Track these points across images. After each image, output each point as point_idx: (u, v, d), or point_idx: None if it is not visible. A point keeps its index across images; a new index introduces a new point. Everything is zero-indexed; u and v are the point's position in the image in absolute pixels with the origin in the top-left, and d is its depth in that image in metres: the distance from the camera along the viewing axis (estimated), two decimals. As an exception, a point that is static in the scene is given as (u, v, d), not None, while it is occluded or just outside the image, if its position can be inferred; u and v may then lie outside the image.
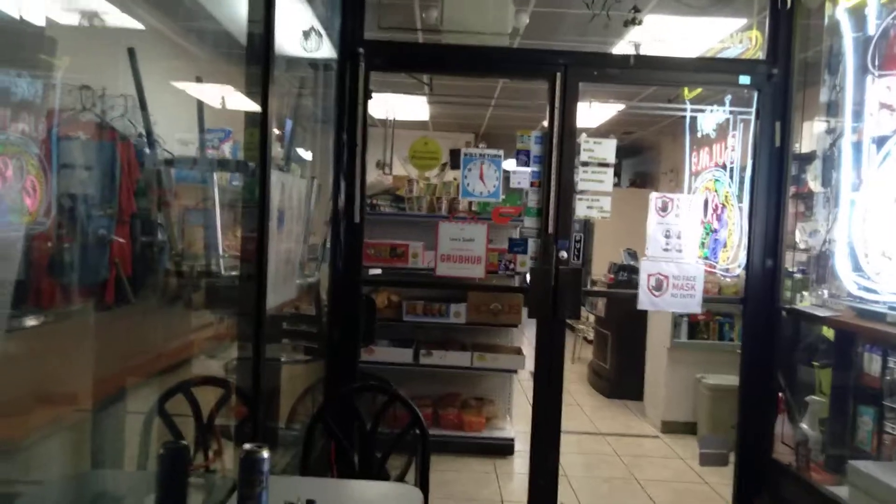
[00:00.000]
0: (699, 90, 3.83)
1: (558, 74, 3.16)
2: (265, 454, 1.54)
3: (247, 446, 1.54)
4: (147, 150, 3.31)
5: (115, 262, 3.20)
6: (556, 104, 3.18)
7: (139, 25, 4.13)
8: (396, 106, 6.82)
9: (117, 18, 4.06)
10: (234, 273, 2.66)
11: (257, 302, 1.88)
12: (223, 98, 3.61)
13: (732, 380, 3.55)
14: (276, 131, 3.59)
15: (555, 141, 3.18)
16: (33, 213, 2.36)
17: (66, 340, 2.11)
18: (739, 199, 3.63)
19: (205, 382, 2.36)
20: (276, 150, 3.90)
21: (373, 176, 5.08)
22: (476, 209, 4.49)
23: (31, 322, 2.26)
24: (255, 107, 3.54)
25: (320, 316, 3.28)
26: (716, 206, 3.88)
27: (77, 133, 3.27)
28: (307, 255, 3.27)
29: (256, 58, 1.92)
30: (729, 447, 3.53)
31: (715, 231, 3.86)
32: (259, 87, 1.92)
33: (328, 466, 2.66)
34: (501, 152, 3.31)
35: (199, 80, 2.86)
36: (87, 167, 3.25)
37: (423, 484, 2.24)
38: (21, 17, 2.78)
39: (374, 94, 3.22)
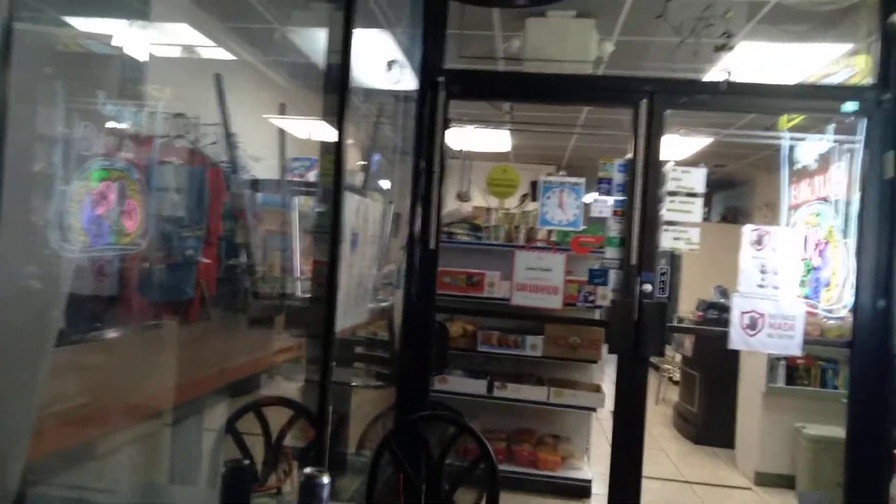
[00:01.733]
0: (798, 119, 3.60)
1: (643, 102, 3.05)
2: (325, 479, 1.50)
3: (307, 470, 1.50)
4: (232, 174, 3.44)
5: (199, 283, 3.31)
6: (641, 132, 3.06)
7: (231, 57, 4.35)
8: (478, 137, 6.85)
9: (213, 52, 4.30)
10: (308, 296, 2.68)
11: (326, 324, 1.87)
12: (311, 129, 3.72)
13: (837, 431, 3.23)
14: (361, 161, 3.66)
15: (639, 169, 3.05)
16: (132, 234, 2.47)
17: (147, 353, 2.16)
18: (845, 235, 3.35)
19: (275, 403, 2.36)
20: (359, 178, 3.97)
21: (453, 207, 5.08)
22: (555, 239, 4.38)
23: (115, 335, 2.34)
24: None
25: (393, 342, 3.26)
26: (817, 242, 3.60)
27: (171, 158, 3.44)
28: (382, 279, 3.27)
29: (333, 86, 1.94)
30: (832, 506, 3.19)
31: (816, 269, 3.56)
32: (335, 114, 1.93)
33: (396, 496, 2.60)
34: (583, 180, 3.22)
35: (282, 107, 2.94)
36: (179, 191, 3.41)
37: (490, 522, 2.13)
38: (124, 50, 2.96)
39: (455, 126, 3.22)
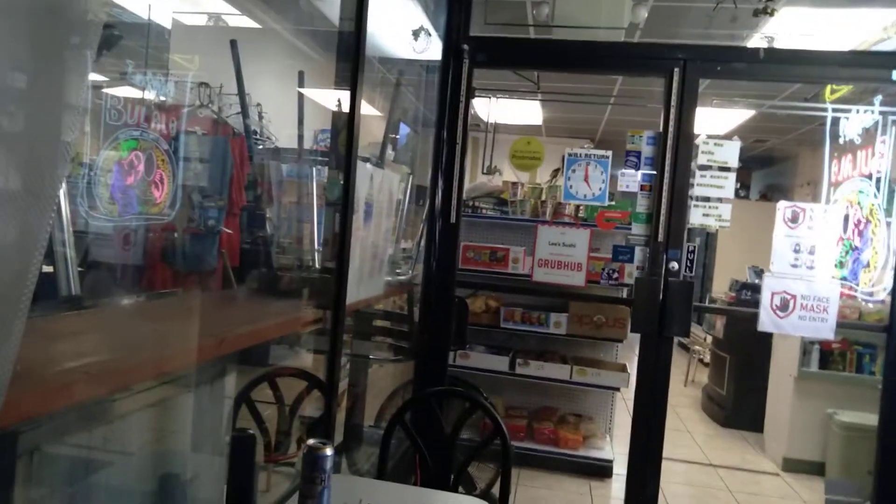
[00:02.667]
0: (842, 91, 3.41)
1: (676, 70, 2.92)
2: (328, 451, 1.47)
3: (309, 442, 1.48)
4: (255, 144, 3.41)
5: (222, 252, 3.32)
6: (673, 102, 2.94)
7: (256, 25, 4.31)
8: (507, 110, 6.71)
9: (238, 20, 4.26)
10: (328, 266, 2.66)
11: (336, 295, 1.84)
12: (339, 99, 3.68)
13: (871, 419, 3.11)
14: (389, 133, 3.61)
15: (669, 142, 2.93)
16: (160, 204, 2.47)
17: (166, 320, 2.17)
18: (888, 214, 3.18)
19: (290, 374, 2.36)
20: (389, 152, 3.93)
21: (482, 180, 5.00)
22: (583, 215, 4.28)
23: (135, 301, 2.36)
24: (368, 109, 3.58)
25: (412, 316, 3.23)
26: (858, 220, 3.43)
27: (195, 128, 3.44)
28: (401, 252, 3.23)
29: (346, 54, 1.88)
30: (863, 496, 3.09)
31: (856, 249, 3.41)
32: (349, 83, 1.88)
33: (413, 470, 2.59)
34: (609, 153, 3.11)
35: (300, 75, 2.89)
36: (202, 161, 3.41)
37: (503, 498, 2.10)
38: (152, 19, 2.94)
39: (481, 96, 3.14)
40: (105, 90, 2.31)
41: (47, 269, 1.99)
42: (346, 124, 1.90)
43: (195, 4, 4.11)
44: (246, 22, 4.25)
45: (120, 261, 2.65)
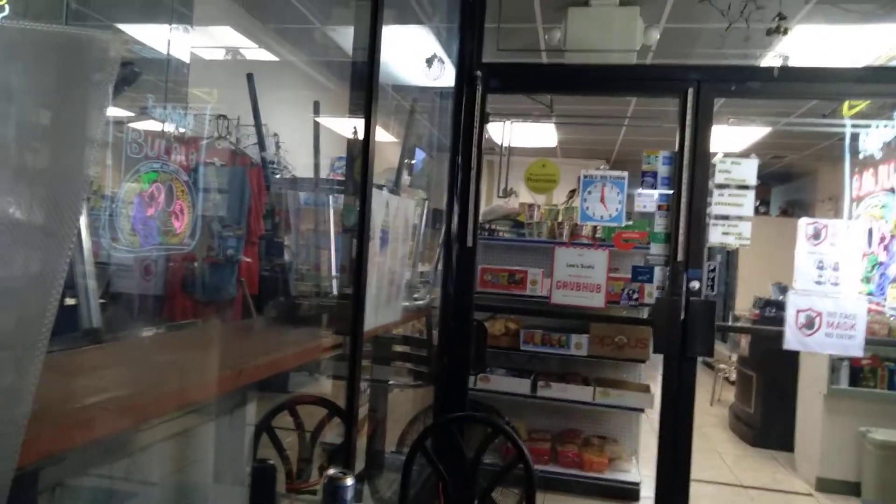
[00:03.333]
0: (861, 105, 3.39)
1: (690, 90, 2.91)
2: (349, 482, 1.47)
3: (329, 472, 1.48)
4: (272, 174, 3.46)
5: (241, 281, 3.35)
6: (688, 122, 2.93)
7: (273, 58, 4.39)
8: (522, 132, 6.74)
9: (256, 53, 4.35)
10: (345, 293, 2.67)
11: (354, 322, 1.85)
12: (355, 127, 3.74)
13: (905, 437, 3.02)
14: (405, 159, 3.64)
15: (685, 162, 2.92)
16: (180, 234, 2.51)
17: (187, 350, 2.18)
18: (913, 228, 3.13)
19: (311, 402, 2.36)
20: (405, 178, 3.95)
21: (498, 203, 5.01)
22: (601, 235, 4.26)
23: (157, 332, 2.38)
24: (383, 135, 3.62)
25: (431, 340, 3.22)
26: (882, 235, 3.38)
27: (214, 159, 3.50)
28: (418, 277, 3.24)
29: (360, 83, 1.91)
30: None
31: (882, 264, 3.35)
32: (363, 112, 1.91)
33: (436, 497, 2.56)
34: (625, 174, 3.10)
35: (316, 105, 2.94)
36: (221, 191, 3.46)
37: (526, 526, 2.07)
38: (171, 54, 3.02)
39: (495, 121, 3.16)
40: (127, 124, 2.37)
41: (70, 301, 2.03)
42: (360, 152, 1.92)
43: (213, 39, 4.21)
44: (263, 55, 4.34)
45: (141, 291, 2.68)
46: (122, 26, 3.43)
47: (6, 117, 0.95)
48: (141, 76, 2.27)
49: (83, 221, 2.13)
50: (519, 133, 6.68)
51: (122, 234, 2.28)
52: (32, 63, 0.97)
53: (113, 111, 2.29)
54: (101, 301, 2.43)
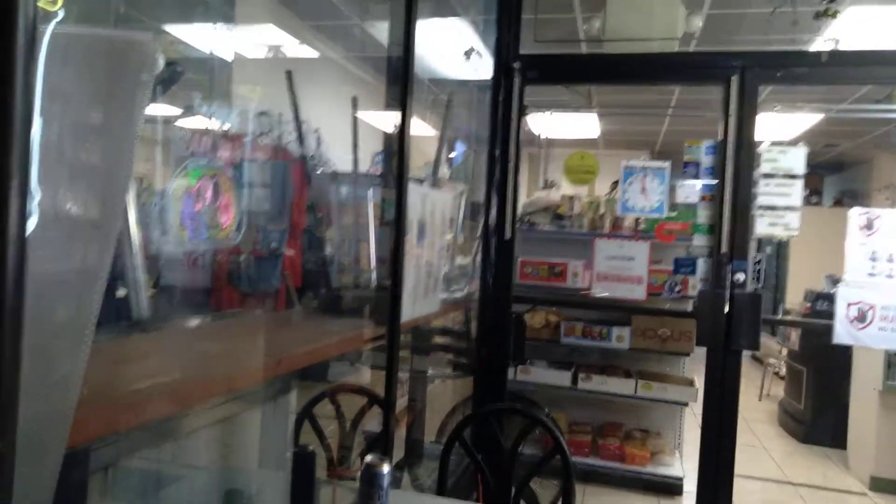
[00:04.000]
0: (919, 89, 3.25)
1: (733, 78, 2.85)
2: (385, 468, 1.50)
3: (367, 459, 1.51)
4: (314, 169, 3.54)
5: (284, 274, 3.44)
6: (732, 110, 2.86)
7: (314, 54, 4.46)
8: (564, 123, 6.68)
9: (297, 50, 4.43)
10: (384, 285, 2.71)
11: (392, 314, 1.88)
12: (393, 123, 3.78)
13: (963, 436, 2.90)
14: (444, 153, 3.66)
15: (729, 151, 2.86)
16: (227, 228, 2.60)
17: (234, 339, 2.26)
18: (974, 216, 2.99)
19: (350, 390, 2.41)
20: (444, 171, 3.97)
21: (540, 195, 4.99)
22: (643, 227, 4.20)
23: (205, 322, 2.47)
24: (423, 129, 3.65)
25: (470, 332, 3.24)
26: (941, 224, 3.23)
27: (256, 155, 3.59)
28: (457, 270, 3.25)
29: (396, 77, 1.94)
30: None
31: (941, 254, 3.21)
32: (399, 106, 1.94)
33: (475, 486, 2.59)
34: (667, 164, 3.06)
35: (354, 100, 2.98)
36: (265, 186, 3.55)
37: (563, 517, 2.08)
38: (215, 53, 3.10)
39: (535, 112, 3.15)
40: (175, 122, 2.45)
41: (121, 293, 2.12)
42: (396, 146, 1.94)
43: (256, 37, 4.31)
44: (305, 51, 4.42)
45: (189, 284, 2.78)
46: (167, 27, 3.54)
47: (61, 118, 1.01)
48: (184, 75, 2.34)
49: (132, 216, 2.22)
50: (560, 124, 6.63)
51: (172, 228, 2.37)
52: (81, 66, 1.02)
53: (161, 109, 2.38)
54: (152, 292, 2.53)
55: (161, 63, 2.48)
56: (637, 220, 4.20)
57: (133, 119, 1.07)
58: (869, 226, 2.82)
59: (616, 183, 5.08)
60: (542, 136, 3.74)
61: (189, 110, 2.51)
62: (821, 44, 4.01)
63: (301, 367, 2.19)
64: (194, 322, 2.56)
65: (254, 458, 2.04)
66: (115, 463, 1.43)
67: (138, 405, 1.17)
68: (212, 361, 1.71)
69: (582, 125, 7.17)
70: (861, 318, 2.77)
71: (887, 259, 2.80)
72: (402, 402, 3.14)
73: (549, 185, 6.60)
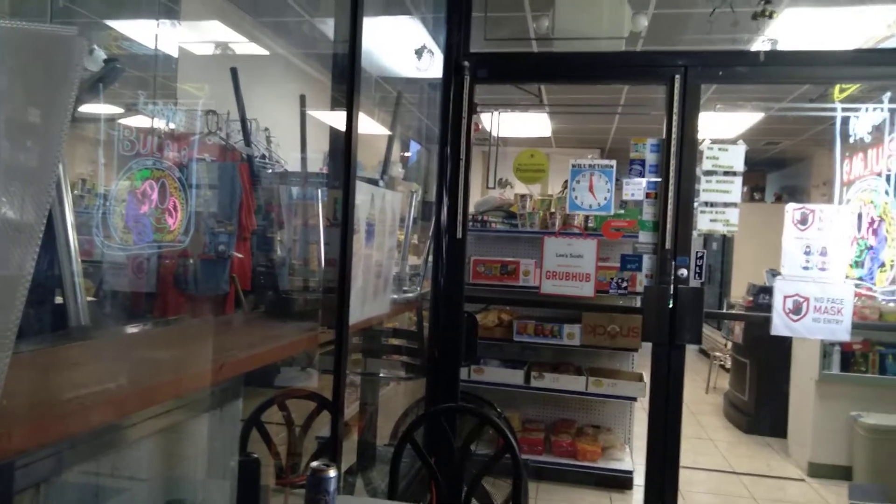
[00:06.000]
0: (851, 89, 3.38)
1: (677, 77, 2.91)
2: (332, 473, 1.48)
3: (313, 464, 1.49)
4: (263, 169, 3.47)
5: (233, 277, 3.36)
6: (675, 109, 2.93)
7: (264, 52, 4.38)
8: (516, 122, 6.73)
9: (246, 47, 4.34)
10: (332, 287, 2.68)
11: (339, 315, 1.86)
12: (338, 121, 3.74)
13: None
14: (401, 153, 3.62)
15: (673, 149, 2.92)
16: (174, 231, 2.52)
17: (177, 345, 2.19)
18: (902, 211, 3.13)
19: (300, 395, 2.37)
20: (398, 170, 3.94)
21: (495, 194, 5.01)
22: (593, 224, 4.26)
23: (146, 329, 2.40)
24: (376, 128, 3.61)
25: (422, 333, 3.24)
26: (872, 219, 3.38)
27: (204, 155, 3.50)
28: (409, 270, 3.24)
29: (342, 76, 1.91)
30: (890, 500, 3.01)
31: (872, 248, 3.36)
32: (345, 104, 1.91)
33: (427, 487, 2.58)
34: (613, 162, 3.11)
35: (302, 98, 2.94)
36: (212, 187, 3.46)
37: (514, 515, 2.09)
38: (161, 50, 3.01)
39: (486, 111, 3.16)
40: (118, 121, 2.36)
41: (59, 300, 2.04)
42: (343, 145, 1.92)
43: (203, 34, 4.20)
44: (254, 49, 4.33)
45: (133, 288, 2.69)
46: (110, 22, 3.42)
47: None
48: (124, 72, 2.26)
49: (69, 219, 2.13)
50: (512, 123, 6.68)
51: (116, 232, 2.28)
52: (2, 61, 0.97)
53: (103, 108, 2.29)
54: (93, 299, 2.44)
55: (100, 60, 2.39)
56: (587, 218, 4.27)
57: (59, 118, 1.02)
58: (803, 221, 2.93)
59: (567, 181, 5.16)
60: (495, 135, 3.76)
61: (132, 108, 2.43)
62: (760, 44, 4.15)
63: (246, 373, 2.14)
64: (135, 328, 2.48)
65: (200, 468, 1.99)
66: (48, 478, 1.37)
67: (68, 416, 1.12)
68: (149, 368, 1.65)
69: (534, 124, 7.25)
70: (796, 310, 2.87)
71: (820, 253, 2.92)
72: (354, 406, 3.11)
73: (503, 184, 6.65)
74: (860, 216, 3.27)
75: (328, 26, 4.34)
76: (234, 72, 2.61)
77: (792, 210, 2.91)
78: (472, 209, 4.67)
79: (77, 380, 1.42)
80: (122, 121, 2.35)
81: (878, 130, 3.26)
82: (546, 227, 4.30)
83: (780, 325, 2.84)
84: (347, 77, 1.93)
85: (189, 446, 2.07)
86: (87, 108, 2.24)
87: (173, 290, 3.16)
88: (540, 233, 4.17)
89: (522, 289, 4.12)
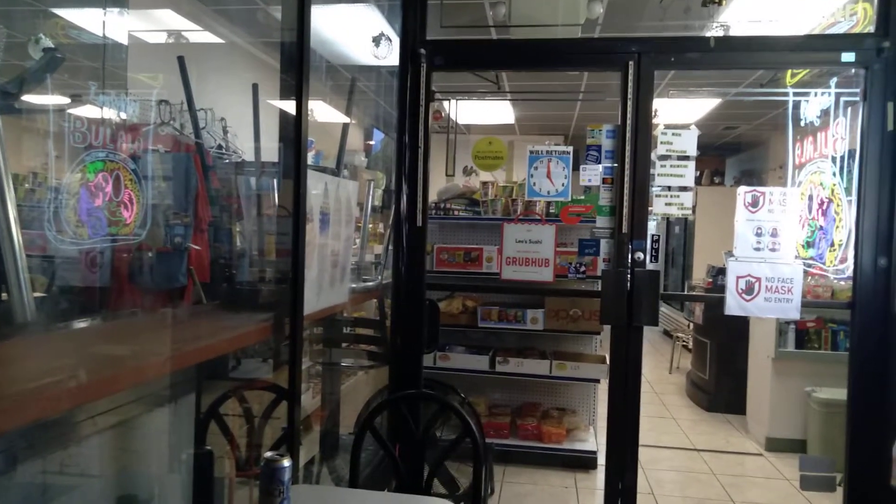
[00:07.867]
0: (802, 74, 3.46)
1: (631, 63, 2.95)
2: (285, 463, 1.48)
3: (266, 455, 1.48)
4: (219, 159, 3.42)
5: (190, 269, 3.31)
6: (630, 94, 2.97)
7: (219, 40, 4.30)
8: (479, 110, 6.73)
9: (201, 35, 4.25)
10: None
11: (293, 304, 1.85)
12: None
13: (844, 395, 3.15)
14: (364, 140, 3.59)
15: (628, 135, 2.96)
16: (130, 224, 2.46)
17: (134, 340, 2.16)
18: (848, 193, 3.23)
19: (258, 387, 2.36)
20: (361, 159, 3.90)
21: (459, 181, 5.01)
22: (554, 210, 4.30)
23: (100, 323, 2.35)
24: (337, 116, 3.57)
25: (384, 321, 3.24)
26: (821, 201, 3.49)
27: (158, 146, 3.43)
28: (369, 259, 3.23)
29: (290, 63, 1.89)
30: (836, 470, 3.13)
31: (822, 229, 3.46)
32: (294, 92, 1.89)
33: (392, 476, 2.59)
34: (570, 148, 3.14)
35: (254, 87, 2.90)
36: (167, 178, 3.40)
37: (475, 498, 2.11)
38: (111, 39, 2.93)
39: (445, 99, 3.15)
40: (67, 111, 2.30)
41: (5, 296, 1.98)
42: (293, 134, 1.90)
43: (155, 22, 4.10)
44: (209, 37, 4.25)
45: (88, 283, 2.63)
46: (58, 10, 3.32)
47: None
48: (64, 61, 2.20)
49: (12, 214, 2.08)
50: (476, 111, 6.68)
51: (69, 226, 2.23)
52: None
53: (52, 99, 2.23)
54: (42, 295, 2.38)
55: (39, 49, 2.32)
56: (548, 204, 4.31)
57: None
58: (754, 203, 3.00)
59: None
60: (450, 122, 3.77)
61: (80, 98, 2.36)
62: (713, 30, 4.21)
63: (206, 366, 2.12)
64: (84, 323, 2.43)
65: (155, 462, 1.96)
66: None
67: (2, 413, 1.10)
68: (94, 363, 1.62)
69: (497, 111, 7.26)
70: (749, 290, 2.95)
71: (771, 234, 3.00)
72: (318, 396, 3.10)
73: (468, 172, 6.65)
74: (811, 198, 3.37)
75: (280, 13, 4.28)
76: (181, 60, 2.55)
77: (743, 193, 2.98)
78: (434, 197, 4.67)
79: (15, 375, 1.39)
80: (73, 111, 2.29)
81: (825, 115, 3.35)
82: (508, 213, 4.33)
83: (733, 304, 2.92)
84: (296, 64, 1.91)
85: (142, 441, 2.05)
86: (33, 98, 2.18)
87: (129, 283, 3.11)
88: (501, 219, 4.20)
89: (486, 275, 4.15)
